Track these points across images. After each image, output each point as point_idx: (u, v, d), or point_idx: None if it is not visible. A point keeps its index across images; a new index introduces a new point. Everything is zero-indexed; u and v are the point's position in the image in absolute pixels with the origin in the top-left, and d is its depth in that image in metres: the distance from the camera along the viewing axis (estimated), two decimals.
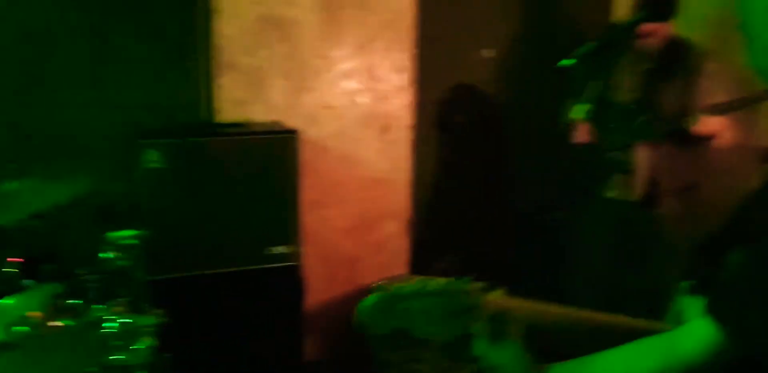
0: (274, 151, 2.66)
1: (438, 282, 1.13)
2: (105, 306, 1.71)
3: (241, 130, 2.80)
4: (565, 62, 1.65)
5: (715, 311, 0.94)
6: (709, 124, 2.64)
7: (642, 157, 2.90)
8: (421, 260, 3.53)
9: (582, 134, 3.01)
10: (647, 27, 2.63)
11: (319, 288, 3.30)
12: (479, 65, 3.53)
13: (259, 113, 3.05)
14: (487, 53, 3.54)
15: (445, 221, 3.57)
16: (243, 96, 3.01)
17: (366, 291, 3.28)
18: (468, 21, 3.47)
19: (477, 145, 3.58)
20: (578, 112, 1.64)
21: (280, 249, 2.71)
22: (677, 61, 2.85)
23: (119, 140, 2.65)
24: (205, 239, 2.61)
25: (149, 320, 1.75)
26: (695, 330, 0.97)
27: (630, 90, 2.90)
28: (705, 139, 2.72)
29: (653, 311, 2.94)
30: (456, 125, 3.53)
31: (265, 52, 3.01)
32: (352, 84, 3.20)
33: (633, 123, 2.86)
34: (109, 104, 2.76)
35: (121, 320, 1.69)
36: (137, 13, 2.78)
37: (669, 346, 1.03)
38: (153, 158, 2.45)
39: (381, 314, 1.11)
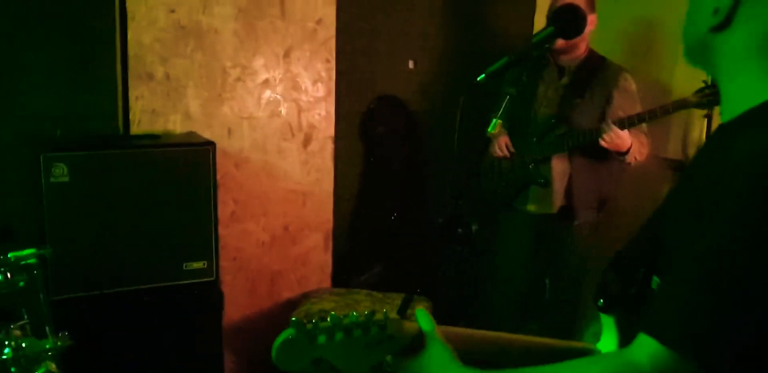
0: (190, 164, 2.58)
1: (354, 315, 1.10)
2: (2, 330, 1.61)
3: (156, 142, 2.71)
4: (480, 77, 1.65)
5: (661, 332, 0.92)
6: (619, 136, 2.68)
7: (558, 170, 2.95)
8: (344, 273, 3.49)
9: (501, 148, 3.03)
10: (565, 43, 2.73)
11: (240, 303, 3.22)
12: (401, 77, 3.53)
13: (176, 124, 2.97)
14: (410, 64, 3.55)
15: (367, 233, 3.54)
16: (159, 106, 2.92)
17: (287, 306, 3.25)
18: (389, 32, 3.46)
19: (398, 156, 3.57)
20: (492, 126, 1.64)
21: (197, 264, 2.63)
22: (594, 76, 2.90)
23: (24, 153, 2.52)
24: (116, 255, 2.50)
25: (51, 343, 1.66)
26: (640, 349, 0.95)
27: (547, 105, 2.95)
28: (618, 152, 2.77)
29: (571, 323, 3.00)
30: (377, 136, 3.51)
31: (182, 61, 2.93)
32: (272, 94, 3.15)
33: (550, 137, 2.90)
34: (13, 114, 2.62)
35: (21, 345, 1.59)
36: (47, 19, 2.66)
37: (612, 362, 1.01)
38: (59, 172, 2.34)
39: (297, 350, 1.07)
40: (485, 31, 3.65)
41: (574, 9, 1.56)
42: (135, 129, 2.88)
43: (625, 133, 2.68)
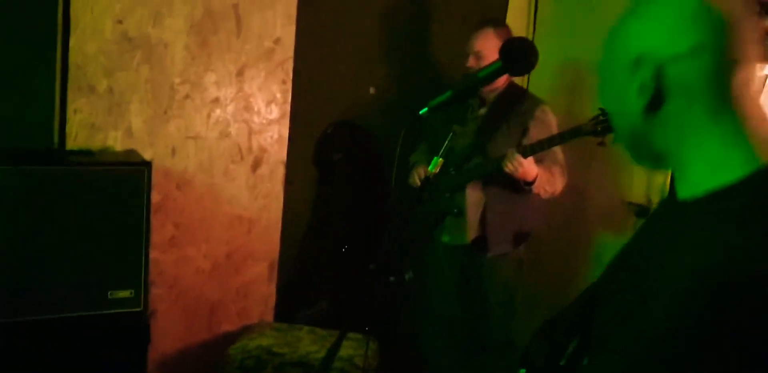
0: (124, 185, 2.38)
1: None
2: None
3: (89, 159, 2.52)
4: (423, 111, 1.56)
5: None
6: (521, 164, 2.63)
7: (472, 199, 2.91)
8: (288, 306, 3.30)
9: (420, 177, 2.98)
10: (467, 62, 2.83)
11: (175, 335, 3.02)
12: (361, 103, 3.40)
13: (116, 141, 2.79)
14: (371, 90, 3.42)
15: (315, 265, 3.36)
16: (100, 121, 2.74)
17: (225, 339, 3.04)
18: (350, 57, 3.33)
19: (354, 184, 3.41)
20: (433, 165, 1.55)
21: (123, 293, 2.43)
22: (512, 107, 2.90)
23: None
24: (37, 279, 2.30)
25: None
26: None
27: (466, 135, 2.89)
28: (524, 181, 2.73)
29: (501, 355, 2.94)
30: (333, 163, 3.35)
31: (127, 74, 2.76)
32: (221, 114, 2.98)
33: (466, 166, 2.88)
34: None
35: None
36: None
37: None
38: None
39: None
40: (449, 59, 3.53)
41: (525, 46, 1.45)
42: (71, 144, 2.69)
43: (528, 162, 2.64)
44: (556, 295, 3.49)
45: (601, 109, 2.54)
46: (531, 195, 2.86)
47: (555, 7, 3.68)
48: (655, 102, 0.92)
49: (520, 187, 2.77)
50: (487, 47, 2.82)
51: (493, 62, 1.48)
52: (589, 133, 2.56)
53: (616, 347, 0.86)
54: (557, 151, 2.82)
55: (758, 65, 0.94)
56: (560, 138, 2.65)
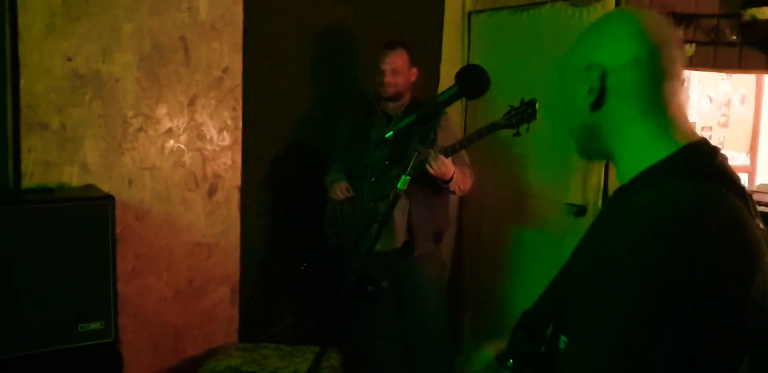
0: (87, 219, 2.44)
1: None
2: None
3: (49, 196, 2.56)
4: (388, 134, 1.68)
5: None
6: (444, 163, 2.86)
7: (398, 206, 3.01)
8: (252, 326, 3.37)
9: (341, 191, 3.17)
10: (395, 92, 3.13)
11: (142, 363, 3.06)
12: (310, 124, 3.50)
13: (72, 177, 2.82)
14: (319, 112, 3.53)
15: (275, 285, 3.45)
16: (54, 158, 2.77)
17: (192, 363, 3.10)
18: (297, 80, 3.44)
19: (307, 205, 3.50)
20: (402, 183, 1.67)
21: (94, 325, 2.47)
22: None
23: None
24: (6, 317, 2.33)
25: None
26: None
27: (380, 149, 3.13)
28: (443, 180, 2.95)
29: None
30: (286, 185, 3.45)
31: (79, 110, 2.80)
32: (175, 144, 3.05)
33: (386, 177, 3.07)
34: None
35: None
36: None
37: None
38: None
39: None
40: None
41: (476, 72, 1.60)
42: (27, 182, 2.72)
43: (448, 161, 2.88)
44: (502, 293, 3.68)
45: (510, 105, 2.79)
46: (446, 195, 3.15)
47: (485, 28, 3.87)
48: (599, 101, 1.16)
49: (439, 186, 3.00)
50: (403, 65, 3.15)
51: (450, 88, 1.61)
52: (504, 126, 2.81)
53: (589, 317, 1.00)
54: (464, 153, 3.10)
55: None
56: (478, 135, 2.88)
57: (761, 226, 1.05)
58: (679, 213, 0.96)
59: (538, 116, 2.74)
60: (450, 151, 2.89)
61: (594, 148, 1.23)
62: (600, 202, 3.15)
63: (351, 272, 3.16)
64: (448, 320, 3.34)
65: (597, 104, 1.16)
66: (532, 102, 2.75)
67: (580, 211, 3.24)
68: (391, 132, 1.70)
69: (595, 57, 1.16)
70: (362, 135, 3.21)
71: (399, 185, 1.70)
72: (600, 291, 0.98)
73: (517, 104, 2.77)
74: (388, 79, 3.11)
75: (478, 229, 3.96)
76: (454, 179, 2.97)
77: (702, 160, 1.09)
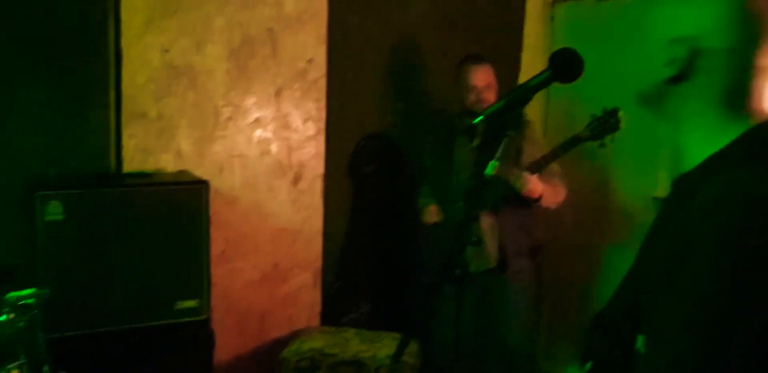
0: (183, 202, 2.58)
1: None
2: (2, 370, 1.60)
3: (148, 180, 2.72)
4: (476, 120, 1.67)
5: None
6: (529, 181, 2.80)
7: (486, 226, 3.01)
8: (333, 311, 3.47)
9: (432, 215, 3.12)
10: (476, 99, 2.99)
11: (228, 343, 3.19)
12: (390, 116, 3.58)
13: (168, 163, 2.98)
14: (398, 105, 3.60)
15: (356, 271, 3.54)
16: (151, 145, 2.94)
17: (276, 344, 3.22)
18: (379, 72, 3.51)
19: (387, 194, 3.59)
20: (491, 168, 1.66)
21: (188, 303, 2.61)
22: (501, 133, 2.99)
23: (16, 192, 2.52)
24: (110, 294, 2.49)
25: None
26: None
27: (465, 168, 3.07)
28: (533, 199, 2.87)
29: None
30: (366, 175, 3.53)
31: (174, 100, 2.95)
32: (262, 133, 3.18)
33: (473, 197, 2.94)
34: (6, 154, 2.62)
35: None
36: (43, 60, 2.68)
37: None
38: (54, 210, 2.34)
39: None
40: None
41: (572, 54, 1.55)
42: (127, 167, 2.89)
43: (534, 179, 2.81)
44: (586, 291, 3.61)
45: (593, 115, 2.72)
46: (535, 210, 3.02)
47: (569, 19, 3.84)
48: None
49: (529, 204, 2.92)
50: (493, 79, 3.05)
51: (542, 72, 1.57)
52: (588, 139, 2.74)
53: (669, 312, 0.97)
54: (552, 164, 2.93)
55: None
56: (563, 150, 2.81)
57: None
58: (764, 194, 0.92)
59: (622, 126, 2.67)
60: (535, 169, 2.83)
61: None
62: None
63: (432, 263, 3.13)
64: (534, 342, 3.20)
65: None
66: (614, 111, 2.67)
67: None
68: (481, 116, 1.66)
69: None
70: (446, 156, 3.17)
71: (487, 170, 1.70)
72: (684, 273, 0.95)
73: (599, 113, 2.71)
74: (485, 95, 3.01)
75: (561, 225, 3.80)
76: (544, 196, 2.89)
77: None
